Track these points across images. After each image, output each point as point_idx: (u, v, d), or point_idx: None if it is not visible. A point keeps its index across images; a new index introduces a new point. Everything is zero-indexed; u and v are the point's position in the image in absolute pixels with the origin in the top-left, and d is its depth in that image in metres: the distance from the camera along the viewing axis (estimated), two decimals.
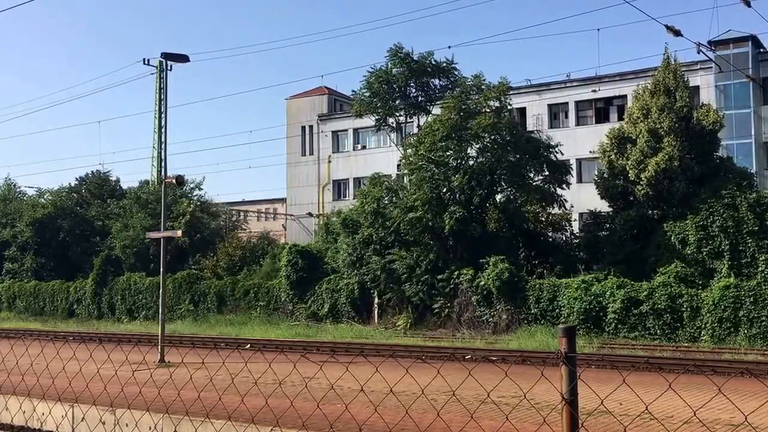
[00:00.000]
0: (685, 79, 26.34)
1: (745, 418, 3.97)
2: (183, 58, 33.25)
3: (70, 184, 48.99)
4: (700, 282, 22.71)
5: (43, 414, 9.01)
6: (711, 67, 34.78)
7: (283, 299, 31.56)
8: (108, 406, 8.52)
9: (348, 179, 48.69)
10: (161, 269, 16.19)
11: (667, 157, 23.92)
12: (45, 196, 48.49)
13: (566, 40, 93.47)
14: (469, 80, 29.75)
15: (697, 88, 33.68)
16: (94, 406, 8.78)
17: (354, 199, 41.76)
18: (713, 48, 33.91)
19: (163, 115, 43.17)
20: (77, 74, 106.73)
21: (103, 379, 7.41)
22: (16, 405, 8.69)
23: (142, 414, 8.36)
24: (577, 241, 28.73)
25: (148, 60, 43.15)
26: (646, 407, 4.38)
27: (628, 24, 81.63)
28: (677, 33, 19.62)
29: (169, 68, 41.09)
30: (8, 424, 9.37)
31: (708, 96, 33.86)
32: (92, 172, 49.04)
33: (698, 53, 26.47)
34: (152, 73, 43.68)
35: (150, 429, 8.50)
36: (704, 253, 23.28)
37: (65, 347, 6.99)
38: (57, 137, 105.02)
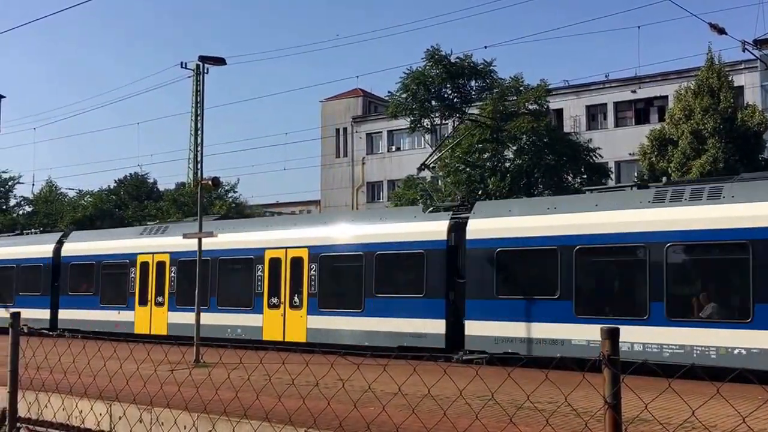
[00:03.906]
0: (730, 79, 25.68)
1: None
2: (220, 61, 33.48)
3: (109, 186, 50.13)
4: None
5: (82, 412, 9.15)
6: (756, 67, 33.79)
7: None
8: (146, 404, 8.62)
9: (382, 181, 48.70)
10: (197, 270, 16.36)
11: (711, 159, 23.37)
12: (86, 198, 49.61)
13: (605, 39, 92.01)
14: (507, 81, 29.48)
15: (741, 88, 32.85)
16: (133, 404, 8.89)
17: (388, 201, 41.77)
18: (759, 46, 32.91)
19: (199, 118, 43.71)
20: (117, 78, 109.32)
21: (142, 377, 7.49)
22: (58, 402, 8.86)
23: (180, 413, 8.43)
24: None
25: (185, 63, 43.87)
26: (693, 412, 4.21)
27: (669, 21, 79.84)
28: (721, 31, 19.09)
29: (205, 71, 41.61)
30: (50, 421, 9.55)
31: (753, 96, 32.99)
32: (130, 174, 50.05)
33: (743, 51, 25.73)
34: (189, 77, 44.37)
35: (187, 428, 8.57)
36: None
37: (105, 346, 7.08)
38: (97, 139, 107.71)
